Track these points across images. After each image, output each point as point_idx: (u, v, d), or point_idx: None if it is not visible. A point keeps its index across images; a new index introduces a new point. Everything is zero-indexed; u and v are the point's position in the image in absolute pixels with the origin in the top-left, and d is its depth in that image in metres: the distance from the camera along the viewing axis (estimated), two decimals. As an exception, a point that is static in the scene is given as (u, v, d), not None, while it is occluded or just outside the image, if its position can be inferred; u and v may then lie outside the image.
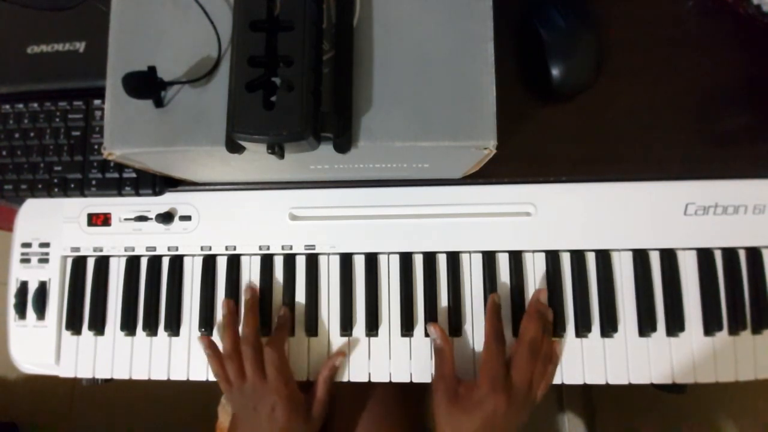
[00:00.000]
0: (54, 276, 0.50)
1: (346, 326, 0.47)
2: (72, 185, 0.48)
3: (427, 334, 0.47)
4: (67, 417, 1.13)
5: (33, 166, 0.49)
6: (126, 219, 0.50)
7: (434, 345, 0.46)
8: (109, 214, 0.50)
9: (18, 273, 0.50)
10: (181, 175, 0.45)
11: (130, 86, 0.31)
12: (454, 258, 0.48)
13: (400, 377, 0.47)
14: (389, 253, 0.48)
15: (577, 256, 0.47)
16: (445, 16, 0.33)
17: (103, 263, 0.50)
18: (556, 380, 0.45)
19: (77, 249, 0.50)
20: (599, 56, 0.46)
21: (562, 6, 0.45)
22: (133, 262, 0.50)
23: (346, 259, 0.48)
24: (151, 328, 0.48)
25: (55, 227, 0.50)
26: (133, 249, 0.50)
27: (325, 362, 0.46)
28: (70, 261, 0.50)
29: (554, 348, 0.45)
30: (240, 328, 0.46)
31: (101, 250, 0.50)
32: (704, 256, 0.47)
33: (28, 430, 1.13)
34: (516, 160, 0.47)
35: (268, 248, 0.49)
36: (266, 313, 0.48)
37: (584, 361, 0.46)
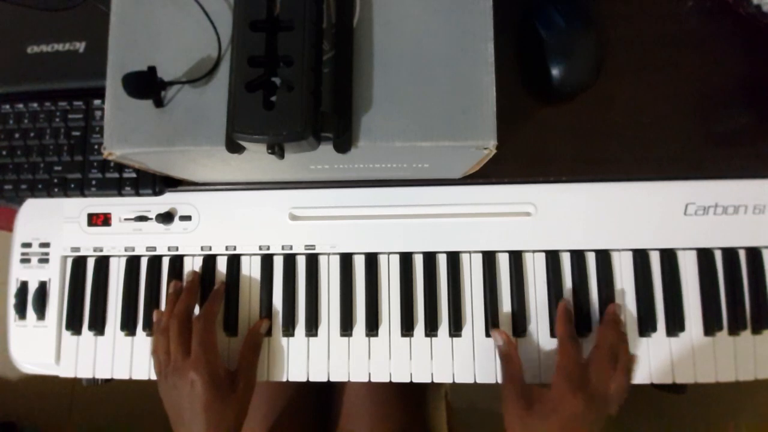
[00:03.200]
0: (54, 276, 0.50)
1: (347, 326, 0.47)
2: (72, 185, 0.48)
3: (427, 335, 0.47)
4: (67, 417, 1.13)
5: (33, 166, 0.49)
6: (126, 219, 0.50)
7: (499, 350, 0.45)
8: (109, 214, 0.50)
9: (18, 273, 0.50)
10: (181, 175, 0.45)
11: (130, 86, 0.31)
12: (454, 258, 0.48)
13: (400, 377, 0.46)
14: (389, 253, 0.48)
15: (577, 256, 0.47)
16: (445, 16, 0.33)
17: (103, 263, 0.50)
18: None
19: (77, 249, 0.50)
20: (599, 56, 0.46)
21: (562, 6, 0.45)
22: (133, 262, 0.50)
23: (346, 259, 0.48)
24: (151, 328, 0.48)
25: (55, 227, 0.50)
26: (133, 249, 0.50)
27: (248, 334, 0.46)
28: (70, 261, 0.50)
29: (632, 360, 0.44)
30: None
31: (101, 250, 0.50)
32: (704, 256, 0.47)
33: (28, 430, 1.13)
34: (516, 160, 0.47)
35: (268, 248, 0.49)
36: (268, 313, 0.48)
37: (584, 361, 0.46)
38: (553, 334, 0.46)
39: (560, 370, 0.41)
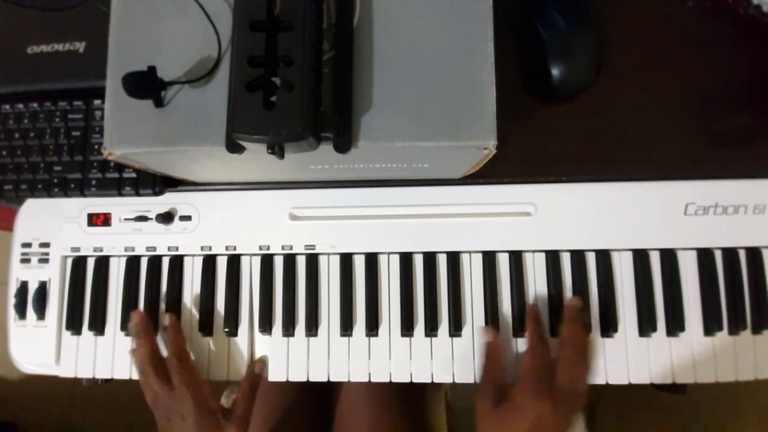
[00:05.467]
0: (54, 276, 0.50)
1: (347, 326, 0.47)
2: (72, 185, 0.48)
3: (427, 335, 0.47)
4: (67, 417, 1.13)
5: (33, 166, 0.49)
6: (126, 219, 0.50)
7: (485, 347, 0.45)
8: (109, 214, 0.50)
9: (18, 273, 0.50)
10: (181, 175, 0.45)
11: (130, 86, 0.31)
12: (454, 258, 0.48)
13: (400, 377, 0.46)
14: (389, 253, 0.48)
15: (577, 256, 0.47)
16: (445, 16, 0.33)
17: (103, 263, 0.50)
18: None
19: (77, 249, 0.50)
20: (599, 56, 0.46)
21: (562, 6, 0.45)
22: (133, 262, 0.50)
23: (346, 259, 0.48)
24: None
25: (55, 227, 0.50)
26: (133, 249, 0.50)
27: (246, 374, 0.46)
28: (70, 261, 0.50)
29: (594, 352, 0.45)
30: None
31: (101, 250, 0.50)
32: (704, 256, 0.47)
33: (28, 430, 1.13)
34: (516, 160, 0.47)
35: (268, 248, 0.49)
36: (268, 313, 0.48)
37: (584, 361, 0.46)
38: (553, 334, 0.46)
39: (528, 371, 0.42)
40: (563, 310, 0.46)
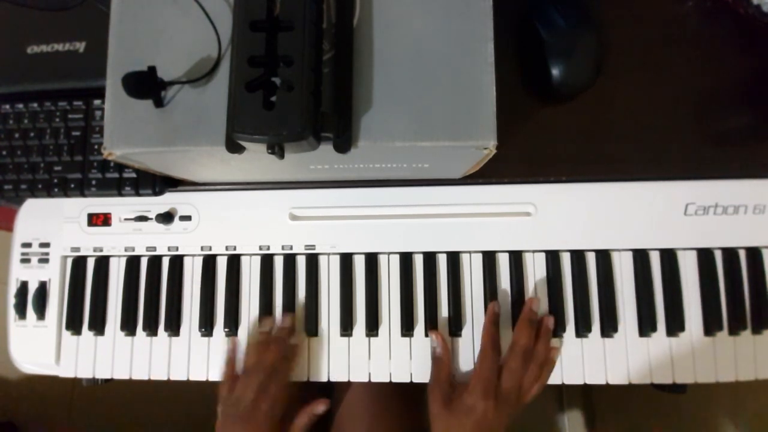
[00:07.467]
0: (54, 276, 0.50)
1: (347, 326, 0.47)
2: (72, 185, 0.48)
3: (427, 334, 0.47)
4: (67, 417, 1.13)
5: (33, 166, 0.49)
6: (126, 219, 0.50)
7: (433, 352, 0.46)
8: (109, 214, 0.50)
9: (18, 273, 0.50)
10: (181, 175, 0.45)
11: (130, 86, 0.31)
12: (454, 258, 0.48)
13: (400, 377, 0.47)
14: (389, 253, 0.48)
15: (577, 256, 0.47)
16: (445, 16, 0.33)
17: (103, 263, 0.50)
18: (557, 380, 0.45)
19: (77, 249, 0.50)
20: (599, 56, 0.46)
21: (562, 6, 0.45)
22: (133, 262, 0.50)
23: (346, 259, 0.48)
24: (151, 328, 0.48)
25: (55, 227, 0.50)
26: (133, 249, 0.50)
27: (304, 409, 0.46)
28: (70, 261, 0.50)
29: (552, 353, 0.45)
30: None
31: (101, 250, 0.50)
32: (704, 256, 0.47)
33: (27, 430, 1.13)
34: (516, 160, 0.47)
35: (269, 248, 0.49)
36: (268, 313, 0.48)
37: (584, 361, 0.46)
38: (556, 334, 0.46)
39: (477, 375, 0.43)
40: (522, 310, 0.46)
